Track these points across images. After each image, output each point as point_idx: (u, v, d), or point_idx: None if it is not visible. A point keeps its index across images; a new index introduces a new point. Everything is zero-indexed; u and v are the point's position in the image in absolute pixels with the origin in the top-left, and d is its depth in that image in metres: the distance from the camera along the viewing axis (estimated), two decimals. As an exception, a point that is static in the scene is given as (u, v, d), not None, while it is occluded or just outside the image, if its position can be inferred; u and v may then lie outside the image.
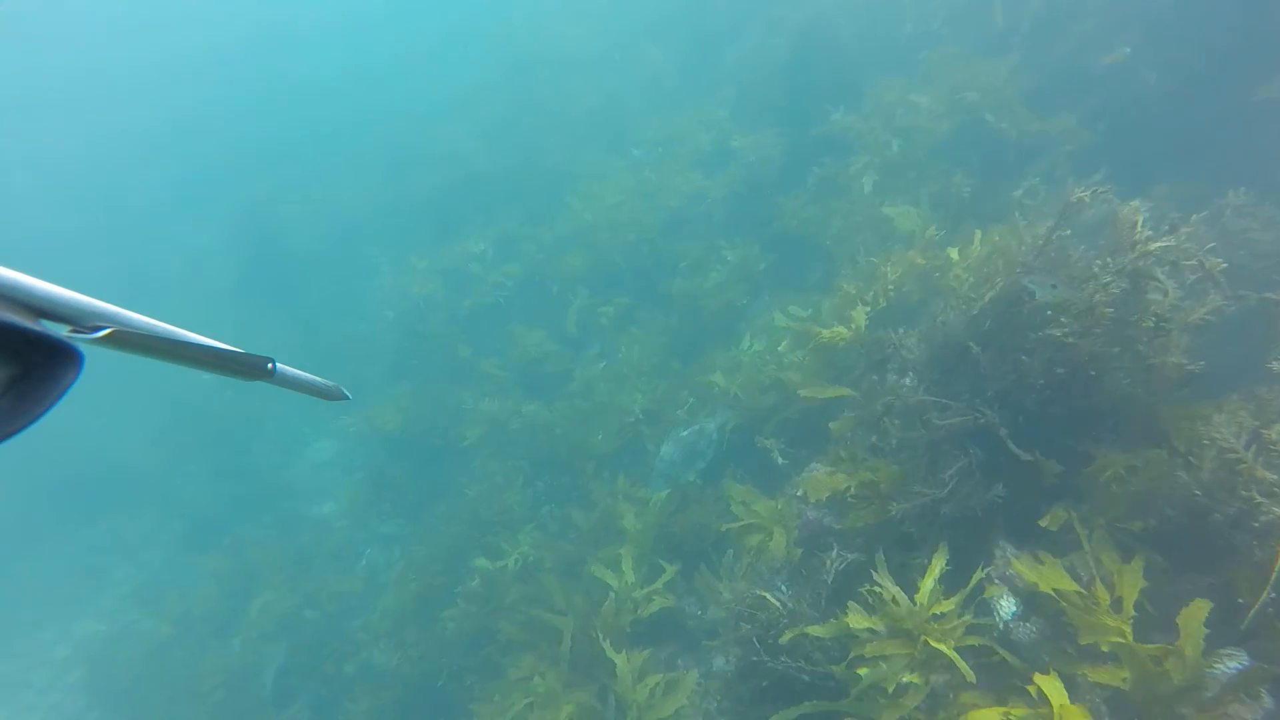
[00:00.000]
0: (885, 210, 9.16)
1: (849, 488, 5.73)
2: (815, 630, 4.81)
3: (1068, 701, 4.05)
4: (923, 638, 4.50)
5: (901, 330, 6.34)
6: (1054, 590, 4.52)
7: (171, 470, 16.40)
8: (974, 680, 4.40)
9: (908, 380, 6.16)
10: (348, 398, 1.39)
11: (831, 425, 6.23)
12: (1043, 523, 4.85)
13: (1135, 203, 4.80)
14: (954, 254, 7.00)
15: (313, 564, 12.78)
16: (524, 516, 10.29)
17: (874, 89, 11.12)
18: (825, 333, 7.50)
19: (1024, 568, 4.65)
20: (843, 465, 5.75)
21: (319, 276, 18.30)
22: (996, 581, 5.24)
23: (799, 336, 7.78)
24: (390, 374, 14.05)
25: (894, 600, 4.63)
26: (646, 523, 8.44)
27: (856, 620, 4.71)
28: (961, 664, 4.36)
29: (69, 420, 17.70)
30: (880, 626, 4.61)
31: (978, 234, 7.20)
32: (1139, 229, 4.68)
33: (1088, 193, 5.11)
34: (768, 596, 5.20)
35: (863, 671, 4.49)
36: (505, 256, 13.94)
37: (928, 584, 4.70)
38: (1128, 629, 4.25)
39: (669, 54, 16.20)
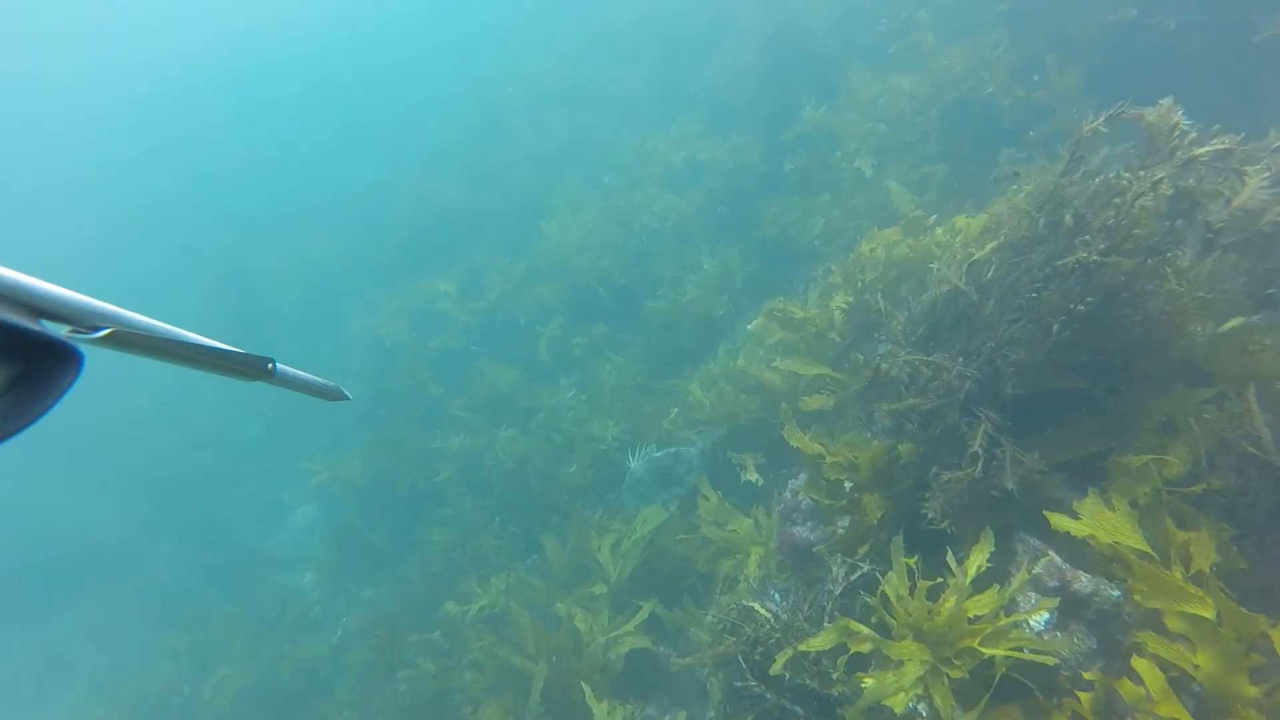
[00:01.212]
0: (885, 186, 8.46)
1: (841, 479, 4.79)
2: (813, 644, 3.78)
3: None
4: (960, 642, 3.50)
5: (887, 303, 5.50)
6: (1116, 544, 3.52)
7: (144, 544, 15.41)
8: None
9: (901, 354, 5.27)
10: (348, 398, 1.36)
11: (803, 400, 5.29)
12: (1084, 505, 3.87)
13: (1167, 101, 3.86)
14: (958, 222, 6.18)
15: (282, 635, 11.71)
16: (498, 562, 9.32)
17: (849, 83, 10.57)
18: (800, 313, 6.67)
19: (1086, 512, 3.65)
20: (837, 450, 4.81)
21: (299, 334, 17.68)
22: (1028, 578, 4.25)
23: (776, 321, 6.94)
24: (363, 421, 13.21)
25: (907, 597, 3.64)
26: (622, 560, 7.44)
27: (856, 627, 3.71)
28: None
29: (35, 497, 17.05)
30: (895, 623, 3.60)
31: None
32: (1177, 131, 3.80)
33: (1102, 120, 4.27)
34: (756, 607, 4.20)
35: (866, 682, 3.46)
36: (474, 293, 13.28)
37: (970, 571, 3.70)
38: (1209, 605, 3.26)
39: (642, 80, 15.88)
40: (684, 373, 9.41)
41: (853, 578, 4.10)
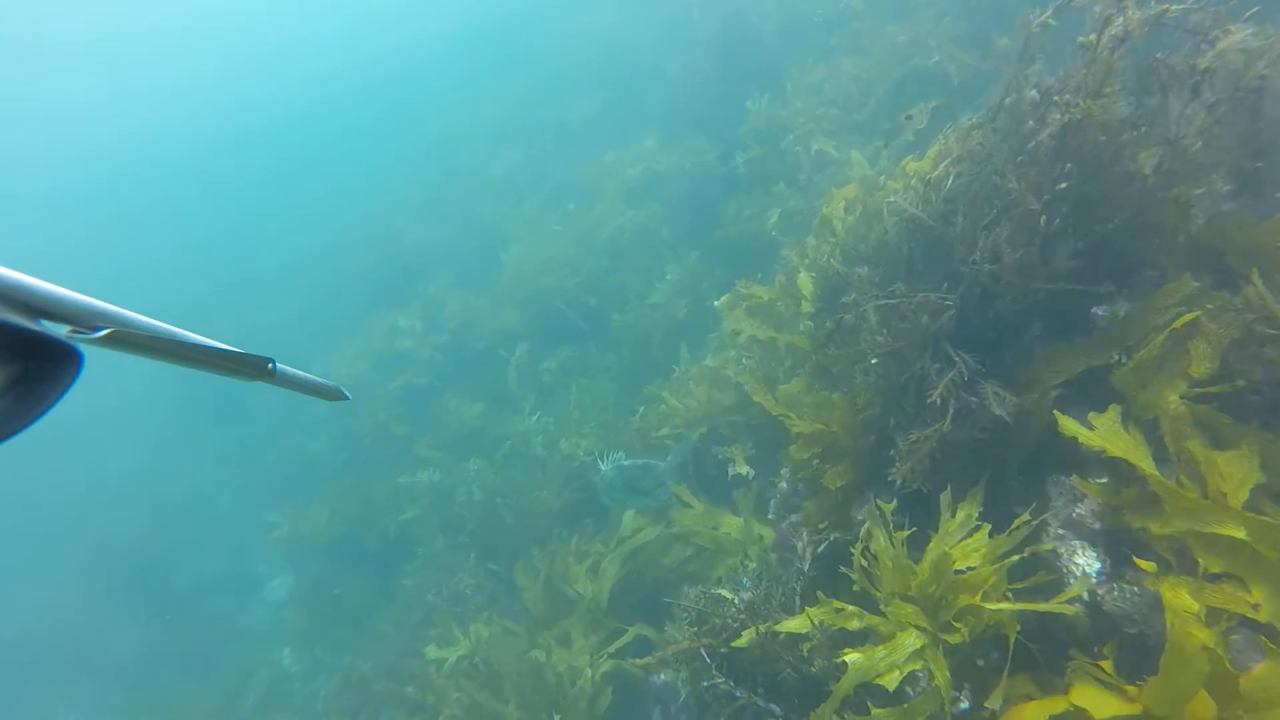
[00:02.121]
0: (836, 159, 8.10)
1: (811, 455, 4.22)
2: (786, 625, 3.17)
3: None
4: (957, 600, 2.89)
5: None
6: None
7: (104, 626, 14.40)
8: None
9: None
10: (348, 398, 1.35)
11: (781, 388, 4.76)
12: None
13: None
14: (907, 165, 5.71)
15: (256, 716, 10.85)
16: (477, 601, 8.62)
17: (793, 74, 10.33)
18: (766, 294, 6.18)
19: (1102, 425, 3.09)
20: (805, 412, 4.26)
21: (262, 395, 17.03)
22: (1061, 532, 3.66)
23: (743, 306, 6.44)
24: (329, 472, 12.55)
25: (892, 552, 3.04)
26: (600, 582, 6.79)
27: (837, 606, 3.10)
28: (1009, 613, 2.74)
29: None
30: (880, 592, 3.00)
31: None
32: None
33: (1050, 13, 3.81)
34: (724, 593, 3.59)
35: (849, 656, 2.84)
36: (435, 328, 12.80)
37: (959, 518, 3.13)
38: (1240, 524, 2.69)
39: (600, 105, 15.73)
40: (657, 384, 8.90)
41: (819, 549, 3.50)
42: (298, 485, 13.30)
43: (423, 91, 23.40)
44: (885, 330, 3.98)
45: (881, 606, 3.04)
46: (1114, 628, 3.26)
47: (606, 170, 13.25)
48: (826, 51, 10.65)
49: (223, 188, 31.04)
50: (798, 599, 3.41)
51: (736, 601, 3.45)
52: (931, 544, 3.08)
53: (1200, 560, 3.04)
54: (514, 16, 22.06)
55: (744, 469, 6.36)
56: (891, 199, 4.25)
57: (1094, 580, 3.43)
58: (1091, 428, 3.06)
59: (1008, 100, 3.62)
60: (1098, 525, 3.50)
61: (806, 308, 5.95)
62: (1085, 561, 3.52)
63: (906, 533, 3.20)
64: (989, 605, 2.77)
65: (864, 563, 3.20)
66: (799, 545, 3.63)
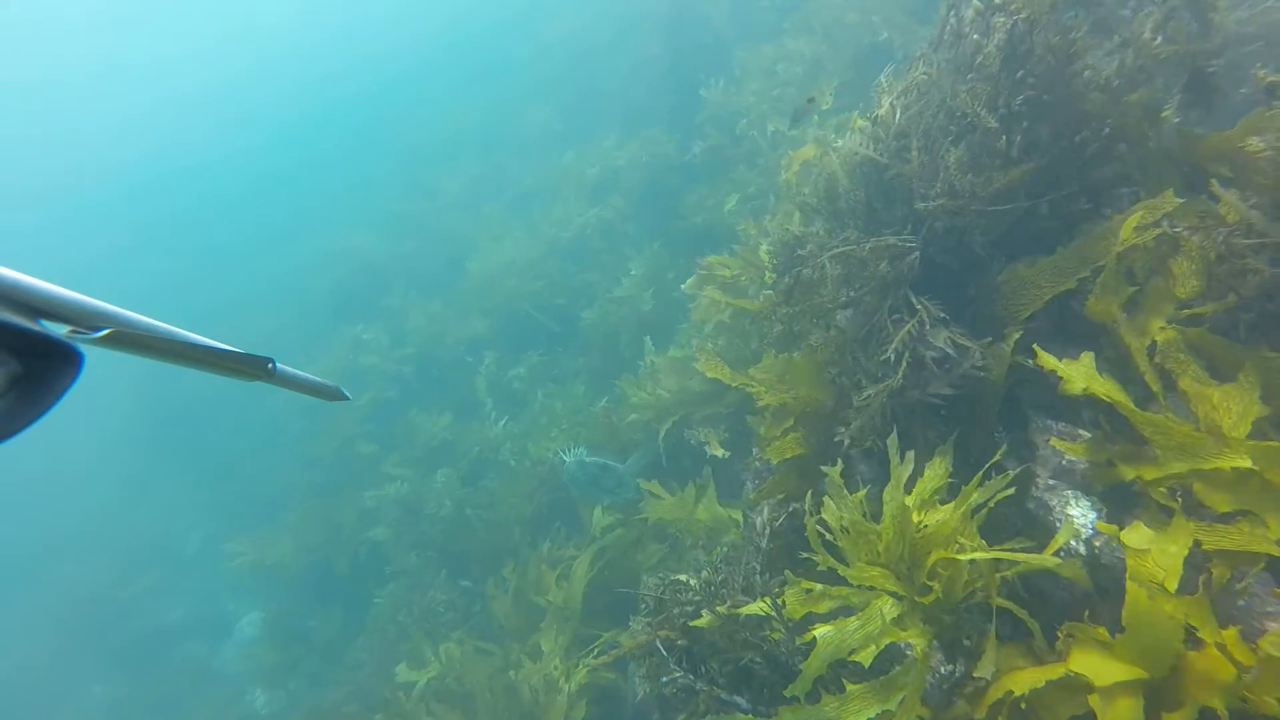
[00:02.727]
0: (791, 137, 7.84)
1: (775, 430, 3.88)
2: (748, 609, 2.81)
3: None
4: (927, 552, 2.56)
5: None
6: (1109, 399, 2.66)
7: (67, 682, 13.73)
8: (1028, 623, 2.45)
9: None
10: (348, 398, 1.31)
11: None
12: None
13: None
14: (855, 121, 5.43)
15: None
16: (449, 619, 8.20)
17: (745, 57, 10.12)
18: (729, 270, 5.88)
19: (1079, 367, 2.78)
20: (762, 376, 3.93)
21: (224, 426, 16.47)
22: (1051, 483, 3.34)
23: (703, 279, 6.13)
24: (293, 495, 12.06)
25: (844, 517, 2.70)
26: (571, 590, 6.39)
27: (805, 585, 2.75)
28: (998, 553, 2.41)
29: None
30: (847, 568, 2.66)
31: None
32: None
33: None
34: (683, 578, 3.22)
35: (819, 631, 2.48)
36: (401, 341, 12.39)
37: (902, 475, 2.80)
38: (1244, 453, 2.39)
39: (554, 109, 15.47)
40: (626, 380, 8.56)
41: (777, 523, 3.16)
42: (265, 515, 12.79)
43: (384, 110, 23.10)
44: (847, 285, 3.67)
45: (846, 573, 2.68)
46: (1118, 585, 2.94)
47: (565, 171, 13.00)
48: (779, 34, 10.45)
49: (188, 214, 30.50)
50: (758, 579, 3.06)
51: (694, 584, 3.10)
52: (885, 496, 2.73)
53: (1206, 501, 2.73)
54: (473, 35, 22.01)
55: (719, 451, 6.09)
56: (839, 143, 3.97)
57: (1089, 532, 3.11)
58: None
59: (949, 23, 3.34)
60: (1083, 473, 3.19)
61: (769, 278, 5.66)
62: (1079, 513, 3.21)
63: (861, 492, 2.86)
64: (961, 557, 2.42)
65: (823, 533, 2.86)
66: (758, 521, 3.29)
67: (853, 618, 2.52)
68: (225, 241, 25.62)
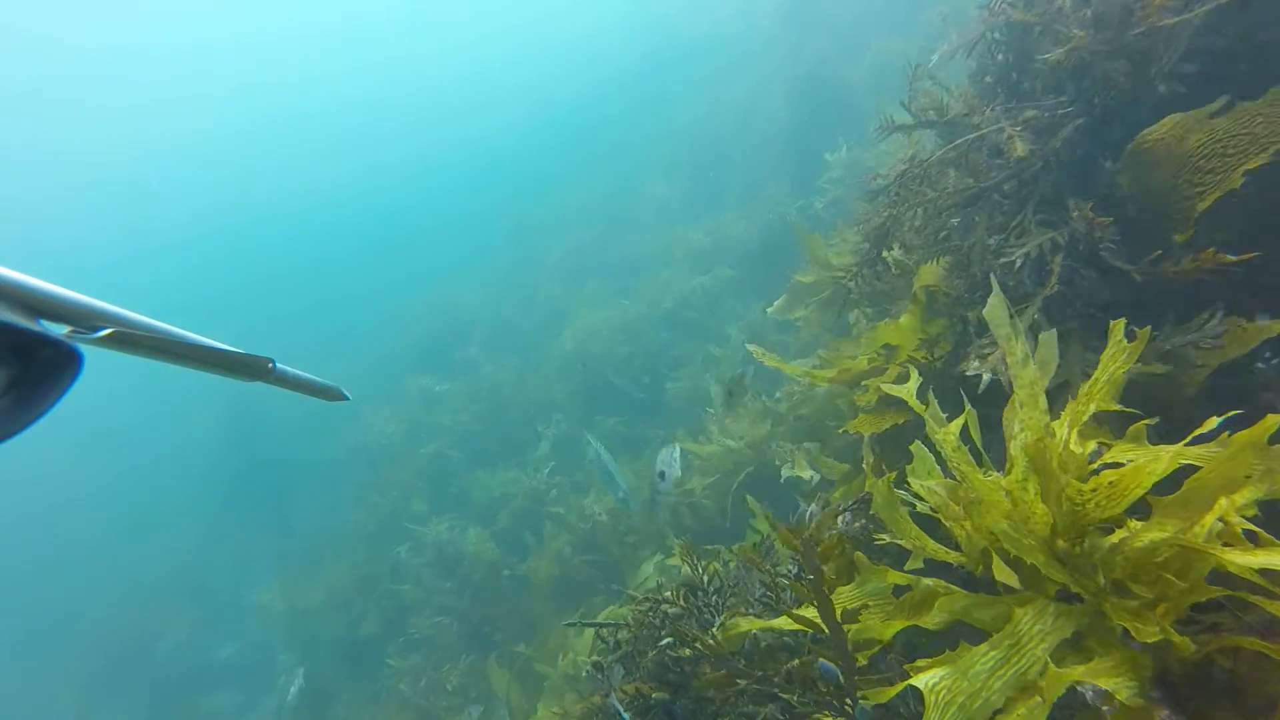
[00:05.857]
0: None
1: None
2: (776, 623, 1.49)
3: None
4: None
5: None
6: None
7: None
8: None
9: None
10: (348, 398, 1.26)
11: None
12: None
13: None
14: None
15: None
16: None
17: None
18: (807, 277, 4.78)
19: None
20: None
21: (298, 439, 16.29)
22: None
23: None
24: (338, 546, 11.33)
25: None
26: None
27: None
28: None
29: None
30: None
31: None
32: None
33: None
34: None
35: (925, 679, 1.11)
36: (476, 395, 11.84)
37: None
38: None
39: (672, 187, 15.26)
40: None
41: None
42: (314, 564, 12.06)
43: (508, 189, 24.01)
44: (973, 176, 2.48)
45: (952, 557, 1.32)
46: None
47: (676, 240, 12.45)
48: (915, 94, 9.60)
49: (327, 261, 33.39)
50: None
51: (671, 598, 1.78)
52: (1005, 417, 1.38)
53: None
54: (606, 119, 22.97)
55: (805, 473, 4.92)
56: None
57: None
58: None
59: None
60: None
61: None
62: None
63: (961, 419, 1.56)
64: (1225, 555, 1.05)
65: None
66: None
67: (980, 647, 1.16)
68: (348, 288, 27.50)
